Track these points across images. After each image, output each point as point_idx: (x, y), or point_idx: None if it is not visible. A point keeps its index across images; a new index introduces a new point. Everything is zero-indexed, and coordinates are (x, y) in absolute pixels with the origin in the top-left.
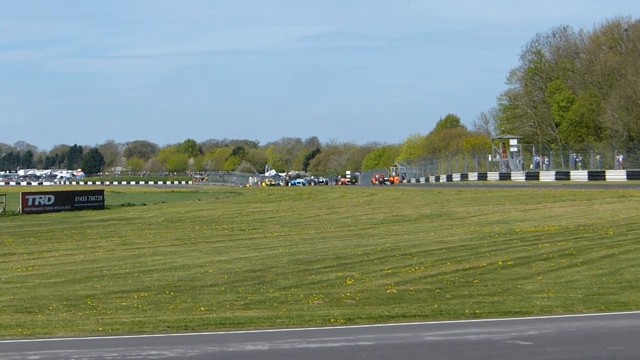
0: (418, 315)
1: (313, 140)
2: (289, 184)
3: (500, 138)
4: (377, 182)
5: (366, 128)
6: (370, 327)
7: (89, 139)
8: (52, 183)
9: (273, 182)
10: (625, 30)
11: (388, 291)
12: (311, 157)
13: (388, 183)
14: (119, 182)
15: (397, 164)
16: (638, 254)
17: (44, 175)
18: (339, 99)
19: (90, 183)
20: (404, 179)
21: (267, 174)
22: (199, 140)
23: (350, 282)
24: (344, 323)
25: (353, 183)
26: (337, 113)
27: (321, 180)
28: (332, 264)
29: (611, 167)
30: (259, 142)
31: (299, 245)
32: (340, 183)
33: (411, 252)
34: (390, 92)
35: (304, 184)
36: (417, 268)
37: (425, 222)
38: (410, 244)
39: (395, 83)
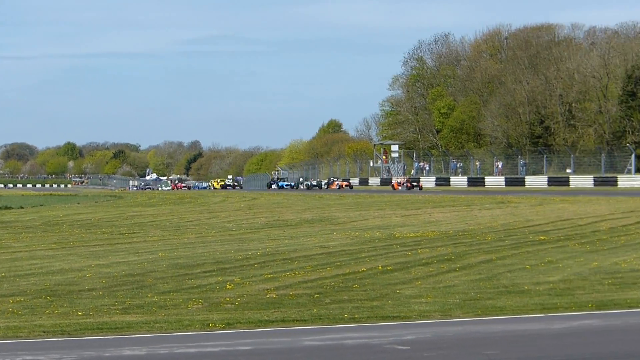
0: (297, 320)
1: (195, 144)
2: (274, 185)
3: (382, 144)
4: (400, 188)
5: (249, 132)
6: (250, 332)
7: None
8: None
9: (226, 183)
10: (506, 38)
11: (268, 296)
12: (193, 161)
13: (418, 189)
14: None
15: (279, 169)
16: (515, 260)
17: None
18: (222, 103)
19: None
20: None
21: (148, 177)
22: (79, 143)
23: (230, 286)
24: (223, 328)
25: (351, 187)
26: (220, 117)
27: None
28: (212, 269)
29: (490, 174)
30: (140, 146)
31: (179, 250)
32: (336, 186)
33: (291, 256)
34: (274, 97)
35: (292, 186)
36: (297, 273)
37: (306, 226)
38: (290, 248)
39: (278, 88)
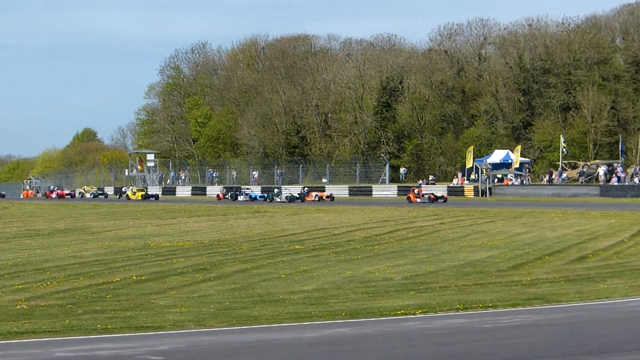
0: (49, 331)
1: None
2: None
3: (137, 152)
4: (418, 200)
5: (0, 140)
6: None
7: None
8: None
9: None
10: (263, 48)
11: (18, 307)
12: None
13: (442, 201)
14: None
15: (32, 177)
16: (270, 269)
17: None
18: None
19: None
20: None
21: None
22: None
23: None
24: None
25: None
26: None
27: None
28: None
29: (247, 183)
30: None
31: None
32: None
33: (43, 267)
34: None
35: (266, 198)
36: (49, 283)
37: (60, 236)
38: (42, 258)
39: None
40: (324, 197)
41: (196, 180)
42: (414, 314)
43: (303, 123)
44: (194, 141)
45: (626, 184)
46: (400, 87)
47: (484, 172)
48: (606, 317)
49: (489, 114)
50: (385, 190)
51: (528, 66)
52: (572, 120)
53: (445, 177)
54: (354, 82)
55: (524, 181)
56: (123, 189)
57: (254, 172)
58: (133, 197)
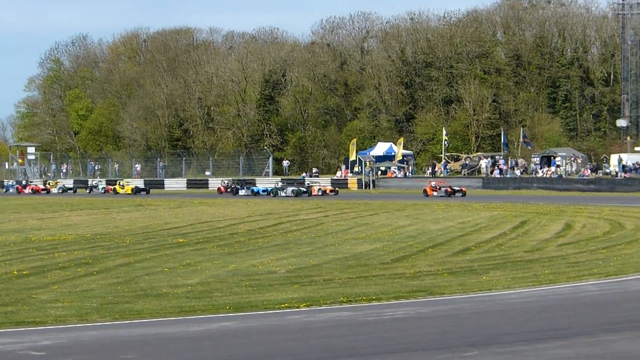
0: None
1: None
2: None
3: (17, 145)
4: (435, 193)
5: None
6: None
7: None
8: None
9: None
10: (144, 41)
11: None
12: None
13: (461, 195)
14: None
15: None
16: (153, 262)
17: None
18: None
19: None
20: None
21: None
22: None
23: None
24: None
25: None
26: None
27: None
28: None
29: (129, 176)
30: None
31: None
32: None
33: None
34: None
35: (269, 192)
36: None
37: None
38: None
39: None
40: (327, 191)
41: (78, 173)
42: (298, 307)
43: (186, 116)
44: (75, 134)
45: (508, 176)
46: (283, 80)
47: (367, 164)
48: (489, 308)
49: (372, 107)
50: (269, 183)
51: (410, 59)
52: (454, 113)
53: (329, 170)
54: (237, 75)
55: (407, 173)
56: (94, 183)
57: (137, 165)
58: (122, 191)
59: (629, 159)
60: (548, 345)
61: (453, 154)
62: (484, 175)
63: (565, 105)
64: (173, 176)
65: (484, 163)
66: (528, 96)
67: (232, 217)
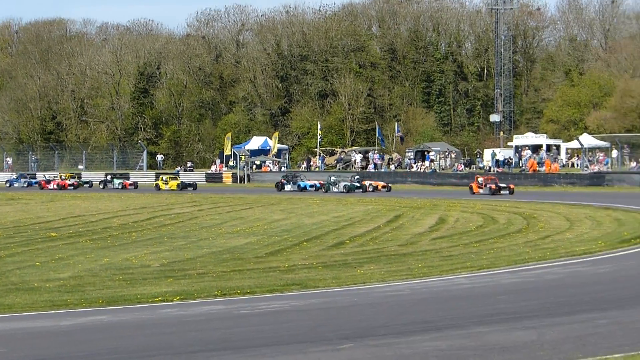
0: None
1: None
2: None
3: None
4: (481, 191)
5: None
6: None
7: None
8: None
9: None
10: (16, 32)
11: None
12: None
13: (508, 193)
14: None
15: None
16: (25, 257)
17: None
18: None
19: None
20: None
21: None
22: None
23: None
24: None
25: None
26: None
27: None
28: None
29: (1, 170)
30: None
31: None
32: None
33: None
34: None
35: (318, 187)
36: None
37: None
38: None
39: None
40: (379, 187)
41: None
42: (171, 301)
43: (59, 109)
44: None
45: (382, 170)
46: (157, 73)
47: (243, 158)
48: (363, 301)
49: (247, 100)
50: (143, 177)
51: (286, 53)
52: (329, 107)
53: (203, 164)
54: (111, 68)
55: (282, 168)
56: (109, 177)
57: (8, 159)
58: (165, 187)
59: (502, 153)
60: (421, 337)
61: (328, 148)
62: (358, 170)
63: (440, 99)
64: (45, 170)
65: (358, 157)
66: (403, 90)
67: (105, 211)
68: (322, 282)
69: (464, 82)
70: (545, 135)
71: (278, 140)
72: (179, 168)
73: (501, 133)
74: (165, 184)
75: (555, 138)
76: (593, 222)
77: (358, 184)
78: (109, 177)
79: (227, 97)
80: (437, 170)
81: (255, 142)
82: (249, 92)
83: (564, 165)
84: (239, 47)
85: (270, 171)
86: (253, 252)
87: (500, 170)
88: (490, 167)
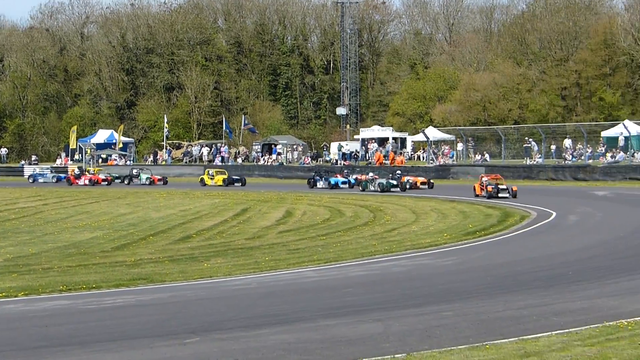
0: None
1: None
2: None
3: None
4: (484, 193)
5: None
6: None
7: None
8: None
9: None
10: None
11: None
12: None
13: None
14: None
15: None
16: None
17: None
18: None
19: None
20: None
21: None
22: None
23: None
24: None
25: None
26: None
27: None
28: None
29: None
30: None
31: None
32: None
33: None
34: None
35: (353, 184)
36: None
37: None
38: None
39: None
40: (418, 184)
41: None
42: (16, 297)
43: None
44: None
45: (229, 163)
46: (1, 65)
47: (88, 152)
48: (210, 295)
49: (92, 93)
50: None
51: (131, 46)
52: (176, 100)
53: (49, 157)
54: None
55: (128, 161)
56: (134, 172)
57: None
58: (210, 183)
59: (348, 146)
60: (269, 331)
61: (175, 141)
62: (205, 163)
63: (286, 93)
64: None
65: (205, 151)
66: (249, 84)
67: None
68: (169, 277)
69: (311, 75)
70: (391, 128)
71: (124, 134)
72: (23, 162)
73: (347, 126)
74: (211, 178)
75: (401, 131)
76: (438, 215)
77: (395, 182)
78: (134, 170)
79: (72, 90)
80: (284, 164)
81: (101, 136)
82: (95, 85)
83: (410, 158)
84: (83, 39)
85: (117, 164)
86: (99, 246)
87: (347, 163)
88: (337, 160)
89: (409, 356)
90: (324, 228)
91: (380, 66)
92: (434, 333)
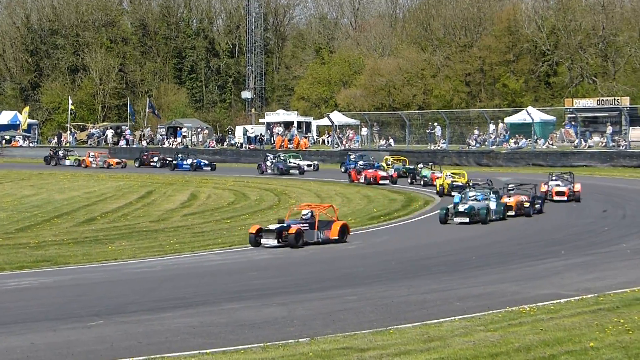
0: None
1: None
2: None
3: None
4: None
5: None
6: None
7: None
8: None
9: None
10: None
11: None
12: None
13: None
14: None
15: None
16: None
17: None
18: None
19: None
20: None
21: None
22: None
23: None
24: None
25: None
26: None
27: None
28: None
29: None
30: None
31: None
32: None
33: None
34: None
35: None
36: None
37: None
38: None
39: None
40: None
41: None
42: None
43: None
44: None
45: (134, 146)
46: None
47: None
48: (114, 278)
49: None
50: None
51: (36, 27)
52: (80, 82)
53: None
54: None
55: (32, 143)
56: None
57: None
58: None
59: (253, 130)
60: (173, 314)
61: (79, 123)
62: (110, 145)
63: (192, 76)
64: None
65: (110, 133)
66: (154, 66)
67: None
68: (73, 259)
69: (216, 58)
70: (296, 112)
71: (28, 115)
72: None
73: (253, 110)
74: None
75: (306, 115)
76: (343, 199)
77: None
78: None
79: None
80: (189, 147)
81: (5, 117)
82: None
83: (314, 142)
84: None
85: (20, 146)
86: (2, 228)
87: (252, 147)
88: (242, 144)
89: (312, 340)
90: (229, 211)
91: (286, 50)
92: (338, 317)
